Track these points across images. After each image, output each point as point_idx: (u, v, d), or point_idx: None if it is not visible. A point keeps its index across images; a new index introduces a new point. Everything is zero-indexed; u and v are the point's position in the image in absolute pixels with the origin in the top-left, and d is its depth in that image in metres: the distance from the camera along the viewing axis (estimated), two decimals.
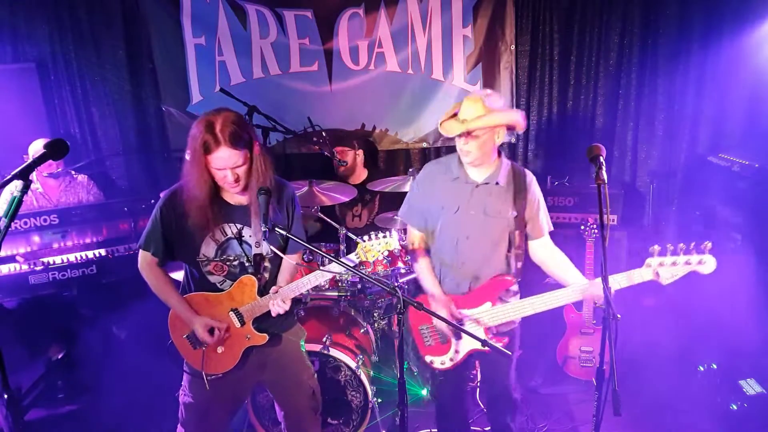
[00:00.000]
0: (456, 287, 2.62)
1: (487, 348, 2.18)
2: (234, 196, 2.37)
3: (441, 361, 2.67)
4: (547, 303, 2.47)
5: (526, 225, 2.59)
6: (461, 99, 4.48)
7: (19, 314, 3.82)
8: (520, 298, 2.60)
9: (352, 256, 2.43)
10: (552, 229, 2.67)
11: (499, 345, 2.42)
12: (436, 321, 2.57)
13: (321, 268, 2.46)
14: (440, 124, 2.52)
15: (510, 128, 2.49)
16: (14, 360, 3.80)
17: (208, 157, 2.17)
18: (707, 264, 2.24)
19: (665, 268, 2.28)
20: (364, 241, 2.39)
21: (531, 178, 2.61)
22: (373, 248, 2.38)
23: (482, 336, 2.53)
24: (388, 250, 2.38)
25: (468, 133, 2.40)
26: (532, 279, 2.77)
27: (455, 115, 2.48)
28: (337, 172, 4.31)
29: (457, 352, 2.64)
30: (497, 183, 2.54)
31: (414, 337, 2.71)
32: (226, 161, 2.18)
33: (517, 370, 2.78)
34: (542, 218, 2.61)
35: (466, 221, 2.55)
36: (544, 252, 2.63)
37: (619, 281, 2.34)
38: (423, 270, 2.67)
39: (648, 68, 4.42)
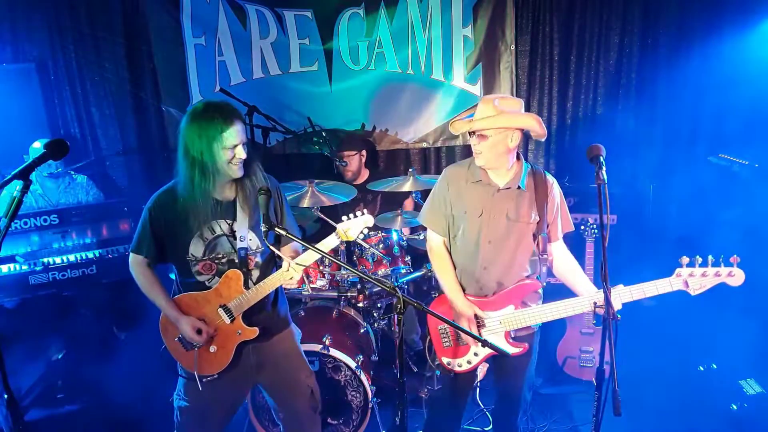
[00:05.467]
0: (479, 291, 2.60)
1: (493, 351, 2.16)
2: (223, 193, 2.39)
3: (458, 364, 2.65)
4: (566, 310, 2.46)
5: (548, 229, 2.58)
6: (461, 99, 4.62)
7: (19, 314, 3.82)
8: (542, 303, 2.59)
9: (330, 238, 2.42)
10: (572, 229, 2.66)
11: (516, 350, 2.51)
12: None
13: (295, 257, 2.48)
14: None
15: (527, 133, 2.47)
16: (14, 360, 3.80)
17: (223, 135, 2.21)
18: (737, 276, 2.25)
19: (695, 278, 2.28)
20: (343, 221, 2.41)
21: (552, 182, 2.59)
22: (352, 227, 2.40)
23: (502, 339, 2.53)
24: (368, 227, 2.42)
25: (479, 134, 2.39)
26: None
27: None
28: (344, 176, 4.31)
29: (476, 354, 2.63)
30: (519, 187, 2.51)
31: (432, 337, 2.70)
32: (240, 135, 2.25)
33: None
34: (559, 223, 2.60)
35: (490, 226, 2.52)
36: (557, 256, 2.62)
37: (649, 290, 2.33)
38: (444, 274, 2.64)
39: (648, 68, 4.42)
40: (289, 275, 2.39)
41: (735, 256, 2.23)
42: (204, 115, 2.22)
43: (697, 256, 2.26)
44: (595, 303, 2.37)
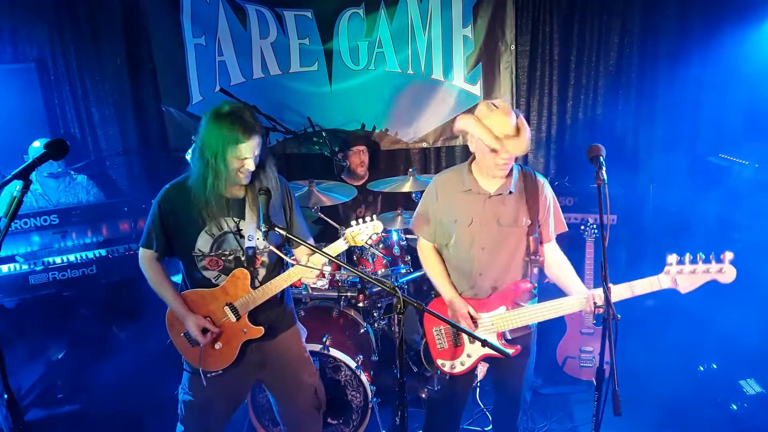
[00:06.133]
0: (474, 296, 2.60)
1: (493, 351, 2.15)
2: (231, 190, 2.40)
3: (451, 365, 2.65)
4: (556, 310, 2.47)
5: (540, 230, 2.57)
6: (461, 99, 4.61)
7: (19, 314, 3.82)
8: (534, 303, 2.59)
9: (339, 242, 2.43)
10: (566, 230, 2.65)
11: (509, 351, 2.45)
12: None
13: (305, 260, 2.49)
14: (504, 144, 2.33)
15: None
16: (14, 360, 3.80)
17: (239, 146, 2.22)
18: (727, 273, 2.22)
19: (684, 276, 2.26)
20: (352, 226, 2.41)
21: (543, 183, 2.57)
22: (362, 232, 2.41)
23: (494, 340, 2.53)
24: (376, 233, 2.43)
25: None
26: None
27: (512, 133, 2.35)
28: (355, 172, 4.29)
29: (469, 356, 2.63)
30: (510, 192, 2.51)
31: (427, 339, 2.70)
32: (254, 149, 2.26)
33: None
34: (551, 223, 2.59)
35: (481, 233, 2.52)
36: (549, 256, 2.61)
37: (637, 288, 2.33)
38: (438, 276, 2.65)
39: (648, 68, 4.42)
40: (296, 277, 2.42)
41: (726, 252, 2.21)
42: (226, 119, 2.23)
43: (687, 254, 2.24)
44: (594, 303, 2.37)
